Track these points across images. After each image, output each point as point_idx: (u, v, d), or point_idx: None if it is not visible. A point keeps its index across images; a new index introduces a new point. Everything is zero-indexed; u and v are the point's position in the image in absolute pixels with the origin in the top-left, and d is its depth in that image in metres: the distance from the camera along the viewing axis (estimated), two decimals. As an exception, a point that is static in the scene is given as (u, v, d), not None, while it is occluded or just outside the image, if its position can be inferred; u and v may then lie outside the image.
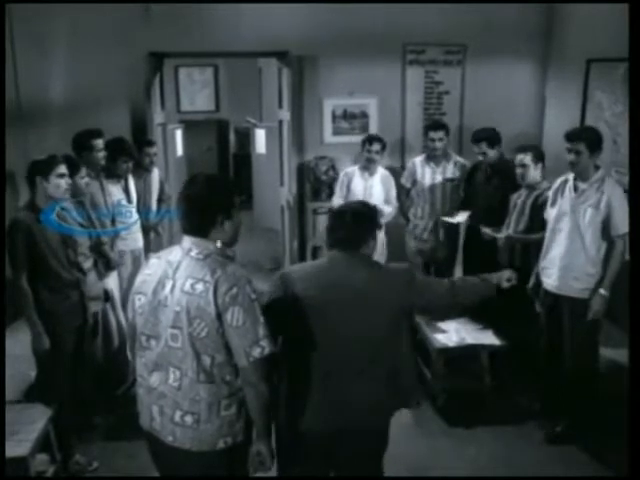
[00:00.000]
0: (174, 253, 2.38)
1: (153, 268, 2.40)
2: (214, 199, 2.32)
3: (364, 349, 2.52)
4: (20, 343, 3.62)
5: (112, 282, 4.38)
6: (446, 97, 6.16)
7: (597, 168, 3.69)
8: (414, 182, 5.27)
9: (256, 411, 2.32)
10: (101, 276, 4.07)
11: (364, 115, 6.09)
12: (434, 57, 6.06)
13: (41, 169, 3.39)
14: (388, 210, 5.18)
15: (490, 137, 4.78)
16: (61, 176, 3.41)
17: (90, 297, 3.77)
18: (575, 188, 3.75)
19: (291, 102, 5.93)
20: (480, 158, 4.82)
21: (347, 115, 6.08)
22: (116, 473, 3.73)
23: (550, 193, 3.96)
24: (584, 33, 5.46)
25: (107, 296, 4.11)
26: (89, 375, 3.91)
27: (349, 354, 2.51)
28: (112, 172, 4.52)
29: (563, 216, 3.77)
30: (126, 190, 4.64)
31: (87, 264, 3.84)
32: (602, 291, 3.68)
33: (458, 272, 5.32)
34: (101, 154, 4.27)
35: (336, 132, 6.07)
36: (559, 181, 3.92)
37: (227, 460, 2.37)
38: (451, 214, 5.08)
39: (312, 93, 5.96)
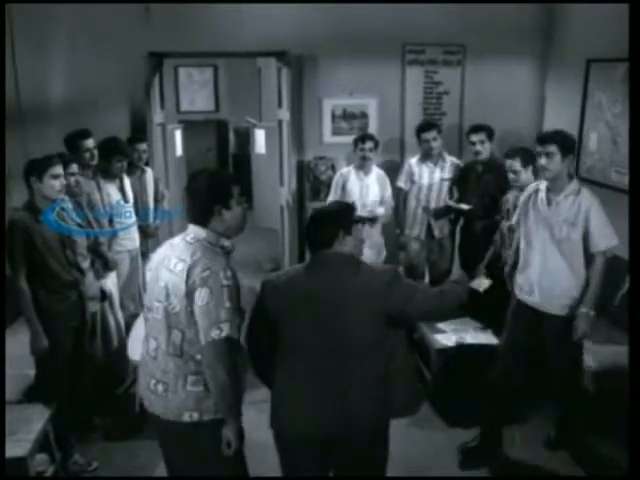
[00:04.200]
0: (178, 237, 2.60)
1: (162, 249, 2.64)
2: (211, 191, 2.51)
3: (346, 352, 2.49)
4: (19, 343, 3.62)
5: (110, 282, 4.39)
6: (446, 97, 6.16)
7: (571, 178, 3.51)
8: (412, 183, 5.26)
9: (214, 392, 2.43)
10: (99, 276, 4.07)
11: (364, 115, 6.09)
12: (434, 57, 6.06)
13: (35, 169, 3.38)
14: (382, 212, 5.18)
15: (490, 129, 4.81)
16: (55, 177, 3.39)
17: (88, 297, 3.78)
18: (549, 201, 3.53)
19: (290, 102, 5.92)
20: (478, 148, 4.78)
21: (347, 115, 6.08)
22: (116, 473, 3.73)
23: (520, 201, 3.76)
24: (584, 33, 5.47)
25: (103, 296, 4.11)
26: (88, 375, 3.91)
27: (332, 357, 2.49)
28: (108, 172, 4.52)
29: (536, 231, 3.56)
30: (122, 190, 4.65)
31: (85, 264, 3.84)
32: (585, 310, 3.43)
33: (455, 272, 5.32)
34: (89, 154, 4.25)
35: (336, 132, 6.07)
36: (529, 189, 3.71)
37: (193, 435, 2.50)
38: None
39: (311, 93, 5.96)
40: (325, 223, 2.59)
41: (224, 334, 2.35)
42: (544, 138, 3.50)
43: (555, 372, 3.71)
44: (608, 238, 3.42)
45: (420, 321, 4.31)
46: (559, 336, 3.55)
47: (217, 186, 2.52)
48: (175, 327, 2.44)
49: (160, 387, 2.50)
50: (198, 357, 2.44)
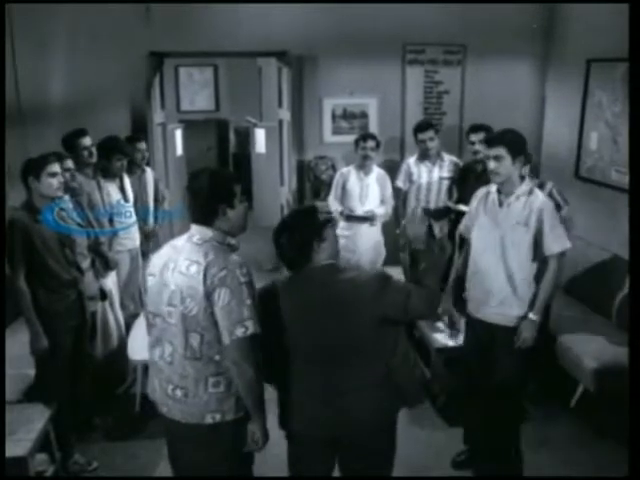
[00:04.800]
0: (181, 239, 2.56)
1: (163, 252, 2.59)
2: (214, 191, 2.48)
3: (344, 357, 2.49)
4: (19, 343, 3.62)
5: (110, 282, 4.39)
6: (446, 97, 6.16)
7: (523, 179, 3.33)
8: (410, 183, 5.25)
9: (241, 390, 2.42)
10: (99, 276, 4.07)
11: (364, 115, 6.09)
12: (434, 57, 6.07)
13: (32, 169, 3.38)
14: (382, 211, 5.17)
15: (489, 129, 4.76)
16: (52, 175, 3.39)
17: (88, 296, 3.78)
18: (500, 203, 3.34)
19: (291, 102, 5.93)
20: (477, 148, 4.75)
21: (347, 115, 6.08)
22: (116, 473, 3.73)
23: (472, 206, 3.58)
24: (584, 33, 5.46)
25: (103, 295, 4.11)
26: (88, 375, 3.91)
27: (332, 362, 2.49)
28: (108, 171, 4.53)
29: (486, 234, 3.38)
30: (122, 189, 4.65)
31: (85, 264, 3.84)
32: (532, 315, 3.29)
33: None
34: (87, 152, 4.26)
35: (336, 132, 6.07)
36: (480, 194, 3.53)
37: (215, 436, 2.49)
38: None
39: (312, 93, 5.96)
40: (297, 239, 2.50)
41: (250, 332, 2.34)
42: (492, 140, 3.31)
43: (500, 380, 3.44)
44: (562, 241, 3.25)
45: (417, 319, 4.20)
46: (507, 346, 3.35)
47: (220, 186, 2.49)
48: (193, 330, 2.41)
49: (179, 392, 2.47)
50: (217, 358, 2.42)
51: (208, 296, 2.36)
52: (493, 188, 3.40)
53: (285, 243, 2.53)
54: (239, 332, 2.34)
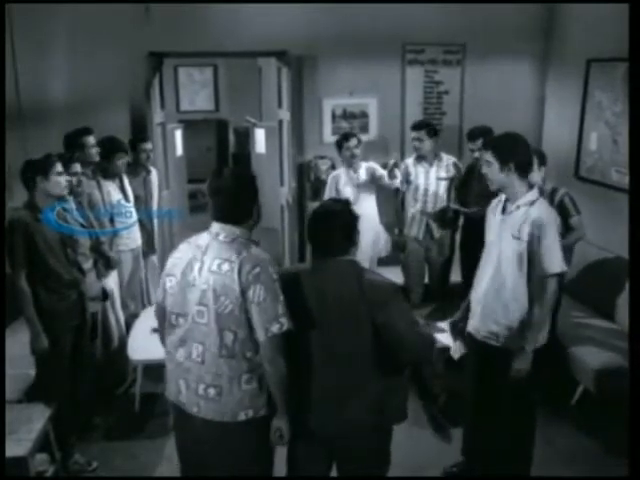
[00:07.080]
0: (202, 238, 2.55)
1: (183, 252, 2.58)
2: (247, 191, 2.55)
3: (346, 355, 2.49)
4: (19, 343, 3.62)
5: (112, 282, 4.39)
6: (445, 97, 6.15)
7: (531, 188, 3.11)
8: (408, 183, 5.24)
9: (274, 385, 2.45)
10: (100, 276, 4.07)
11: (364, 115, 6.08)
12: (434, 57, 6.05)
13: (41, 168, 3.39)
14: (393, 180, 5.12)
15: (487, 134, 4.73)
16: (60, 174, 3.42)
17: (90, 297, 3.78)
18: (504, 210, 3.14)
19: (291, 102, 5.92)
20: (476, 155, 4.77)
21: (347, 115, 6.07)
22: (116, 473, 3.74)
23: (487, 216, 3.37)
24: (584, 33, 5.46)
25: (105, 295, 4.12)
26: (88, 375, 3.91)
27: (330, 362, 2.49)
28: (108, 171, 4.53)
29: (490, 244, 3.20)
30: (122, 189, 4.65)
31: (87, 264, 3.84)
32: (525, 347, 3.02)
33: (455, 272, 5.30)
34: (94, 150, 4.29)
35: (336, 132, 6.03)
36: (493, 203, 3.31)
37: (248, 431, 2.51)
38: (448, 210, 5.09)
39: (312, 93, 5.96)
40: (334, 233, 2.51)
41: (285, 328, 2.38)
42: (484, 144, 3.19)
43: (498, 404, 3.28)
44: (556, 262, 2.97)
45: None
46: (500, 369, 3.12)
47: (250, 185, 2.56)
48: (227, 328, 2.42)
49: (212, 391, 2.47)
50: (249, 355, 2.45)
51: (243, 293, 2.38)
52: (504, 196, 3.18)
53: (324, 231, 2.54)
54: (275, 328, 2.37)
